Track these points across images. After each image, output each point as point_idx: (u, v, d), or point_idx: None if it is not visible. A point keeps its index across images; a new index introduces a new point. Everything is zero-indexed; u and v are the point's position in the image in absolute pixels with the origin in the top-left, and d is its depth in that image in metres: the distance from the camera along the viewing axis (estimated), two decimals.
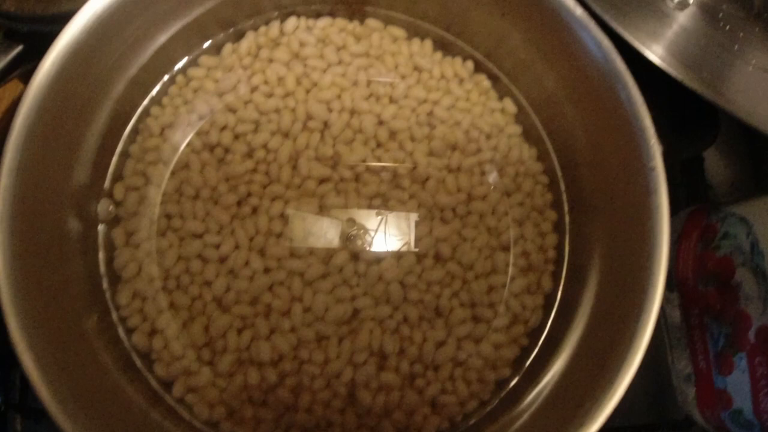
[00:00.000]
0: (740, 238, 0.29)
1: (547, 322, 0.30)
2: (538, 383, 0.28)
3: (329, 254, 0.28)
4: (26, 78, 0.34)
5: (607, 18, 0.25)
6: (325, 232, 0.29)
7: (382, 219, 0.29)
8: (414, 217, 0.29)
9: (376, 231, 0.29)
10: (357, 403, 0.27)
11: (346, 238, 0.29)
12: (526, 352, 0.29)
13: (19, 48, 0.31)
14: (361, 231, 0.29)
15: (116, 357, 0.27)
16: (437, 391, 0.28)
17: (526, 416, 0.27)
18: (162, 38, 0.29)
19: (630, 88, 0.24)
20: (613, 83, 0.25)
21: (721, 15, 0.31)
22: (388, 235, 0.29)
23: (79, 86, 0.26)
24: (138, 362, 0.28)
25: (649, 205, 0.24)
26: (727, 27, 0.31)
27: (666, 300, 0.34)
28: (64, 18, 0.28)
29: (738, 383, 0.30)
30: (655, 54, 0.26)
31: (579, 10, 0.25)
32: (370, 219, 0.29)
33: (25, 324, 0.22)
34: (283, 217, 0.29)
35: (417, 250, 0.29)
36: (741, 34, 0.31)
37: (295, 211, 0.28)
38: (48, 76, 0.24)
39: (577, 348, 0.27)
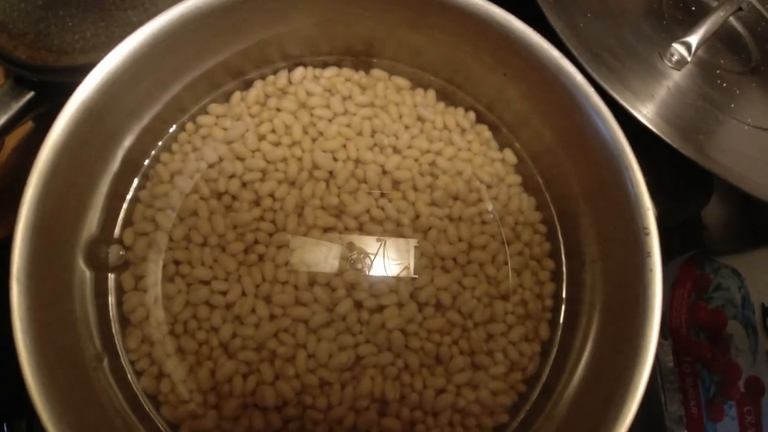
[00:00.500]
0: (732, 291, 0.30)
1: (544, 369, 0.30)
2: (536, 430, 0.28)
3: (333, 302, 0.29)
4: (37, 119, 0.35)
5: (605, 85, 0.26)
6: (326, 257, 0.29)
7: (381, 244, 0.30)
8: (413, 242, 0.30)
9: (375, 255, 0.30)
10: None
11: (347, 261, 0.29)
12: (523, 398, 0.30)
13: (30, 95, 0.32)
14: (361, 255, 0.30)
15: (125, 399, 0.28)
16: None
17: None
18: (175, 89, 0.29)
19: (628, 155, 0.25)
20: (611, 149, 0.25)
21: (718, 71, 0.32)
22: (387, 259, 0.30)
23: (93, 140, 0.27)
24: (146, 404, 0.29)
25: (642, 266, 0.25)
26: (724, 84, 0.32)
27: (659, 346, 0.35)
28: (76, 70, 0.29)
29: (727, 430, 0.31)
30: (648, 118, 0.27)
31: (579, 77, 0.26)
32: (370, 244, 0.30)
33: (41, 377, 0.23)
34: (289, 265, 0.29)
35: (416, 276, 0.30)
36: (737, 90, 0.32)
37: (295, 236, 0.29)
38: (62, 133, 0.25)
39: (575, 395, 0.28)
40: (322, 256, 0.29)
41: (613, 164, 0.26)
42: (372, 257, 0.30)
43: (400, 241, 0.30)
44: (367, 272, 0.29)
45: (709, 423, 0.32)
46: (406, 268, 0.30)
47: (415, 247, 0.30)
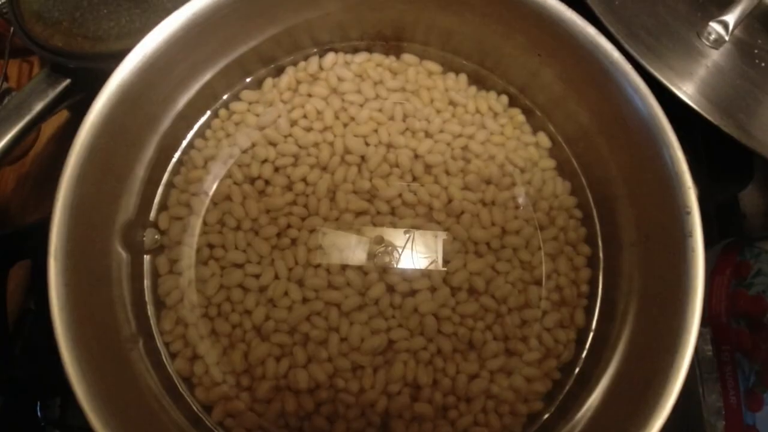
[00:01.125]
0: None
1: (580, 357, 0.30)
2: (570, 418, 0.28)
3: (366, 285, 0.29)
4: (73, 108, 0.35)
5: (643, 61, 0.25)
6: (354, 249, 0.29)
7: (409, 237, 0.30)
8: (442, 235, 0.30)
9: (404, 248, 0.30)
10: None
11: (375, 255, 0.29)
12: (558, 386, 0.30)
13: (66, 82, 0.33)
14: (389, 248, 0.30)
15: (159, 380, 0.28)
16: (469, 423, 0.28)
17: None
18: (208, 75, 0.30)
19: (667, 133, 0.24)
20: (650, 127, 0.25)
21: (756, 51, 0.31)
22: (415, 252, 0.30)
23: (129, 124, 0.27)
24: (180, 386, 0.29)
25: (684, 246, 0.25)
26: (762, 64, 0.31)
27: (698, 334, 0.34)
28: (112, 57, 0.29)
29: (767, 421, 0.30)
30: (688, 96, 0.26)
31: (616, 54, 0.25)
32: (398, 237, 0.30)
33: (78, 356, 0.23)
34: (322, 248, 0.29)
35: (445, 269, 0.29)
36: None
37: (325, 228, 0.29)
38: (99, 115, 0.25)
39: (610, 384, 0.28)
40: (351, 250, 0.29)
41: (651, 143, 0.25)
42: (400, 250, 0.30)
43: (428, 233, 0.30)
44: (395, 265, 0.29)
45: (748, 413, 0.31)
46: (434, 261, 0.30)
47: (444, 239, 0.30)
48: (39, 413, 0.36)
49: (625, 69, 0.25)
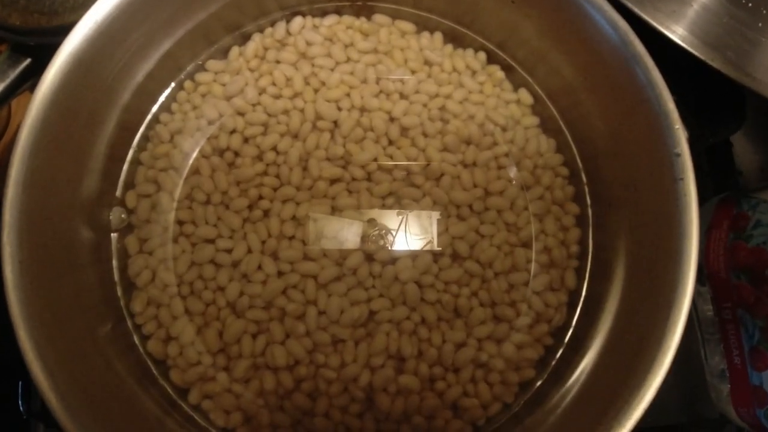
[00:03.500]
0: None
1: (572, 321, 0.28)
2: (564, 384, 0.27)
3: (343, 256, 0.28)
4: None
5: (628, 2, 0.24)
6: (347, 234, 0.28)
7: (402, 218, 0.28)
8: (436, 215, 0.28)
9: (398, 231, 0.28)
10: (375, 407, 0.27)
11: (368, 240, 0.28)
12: (550, 352, 0.28)
13: (27, 61, 0.32)
14: (383, 231, 0.28)
15: (131, 365, 0.27)
16: (458, 394, 0.27)
17: (552, 419, 0.26)
18: (167, 44, 0.28)
19: (650, 70, 0.23)
20: (632, 67, 0.23)
21: None
22: (409, 234, 0.28)
23: (85, 96, 0.26)
24: (153, 369, 0.28)
25: (675, 192, 0.23)
26: (750, 4, 0.29)
27: (697, 294, 0.33)
28: (69, 29, 0.28)
29: None
30: (676, 34, 0.25)
31: None
32: (391, 219, 0.29)
33: (34, 334, 0.22)
34: (295, 219, 0.28)
35: (440, 249, 0.28)
36: (764, 11, 0.29)
37: (318, 216, 0.28)
38: (52, 85, 0.24)
39: (604, 347, 0.26)
40: (343, 234, 0.28)
41: (635, 85, 0.24)
42: (394, 233, 0.28)
43: (422, 214, 0.28)
44: (389, 248, 0.28)
45: (754, 373, 0.30)
46: (430, 242, 0.28)
47: (438, 219, 0.28)
48: (21, 406, 0.35)
49: (601, 6, 0.23)
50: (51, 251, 0.24)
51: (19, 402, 0.35)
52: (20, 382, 0.35)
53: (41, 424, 0.36)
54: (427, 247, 0.28)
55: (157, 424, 0.25)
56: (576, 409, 0.25)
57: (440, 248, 0.28)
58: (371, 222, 0.28)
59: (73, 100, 0.25)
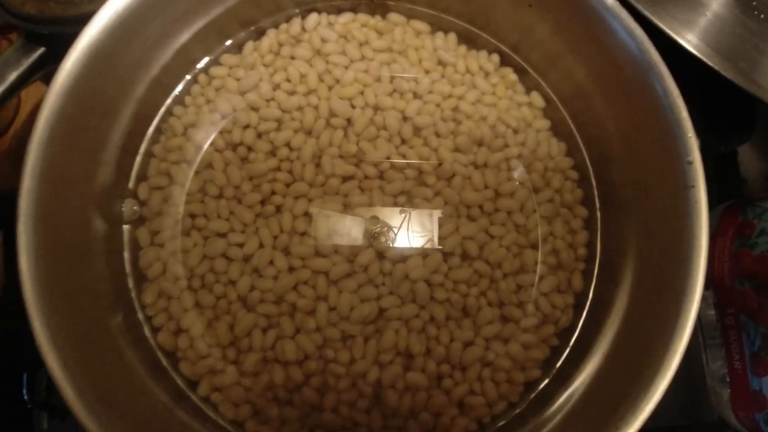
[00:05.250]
0: None
1: (578, 323, 0.29)
2: (569, 386, 0.27)
3: (354, 253, 0.28)
4: (49, 80, 0.34)
5: (640, 6, 0.24)
6: (349, 230, 0.28)
7: (405, 216, 0.29)
8: (437, 214, 0.29)
9: (399, 228, 0.29)
10: (383, 403, 0.27)
11: (370, 236, 0.28)
12: (556, 353, 0.29)
13: (41, 50, 0.32)
14: (385, 228, 0.29)
15: (141, 356, 0.27)
16: (465, 392, 0.27)
17: (556, 419, 0.26)
18: (183, 38, 0.28)
19: (665, 79, 0.23)
20: (647, 74, 0.24)
21: (755, 3, 0.30)
22: (411, 232, 0.29)
23: (101, 87, 0.26)
24: (163, 361, 0.28)
25: (686, 199, 0.23)
26: (762, 15, 0.30)
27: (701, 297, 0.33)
28: (85, 19, 0.28)
29: None
30: (690, 43, 0.25)
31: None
32: (393, 216, 0.29)
33: (49, 324, 0.22)
34: (308, 216, 0.28)
35: (441, 247, 0.28)
36: None
37: (319, 209, 0.28)
38: (69, 76, 0.24)
39: (610, 349, 0.27)
40: (346, 230, 0.28)
41: (650, 92, 0.24)
42: (396, 230, 0.29)
43: (424, 212, 0.29)
44: (391, 245, 0.28)
45: (755, 378, 0.30)
46: (431, 240, 0.29)
47: (439, 217, 0.29)
48: (25, 395, 0.36)
49: (619, 13, 0.24)
50: (65, 242, 0.24)
51: (24, 392, 0.36)
52: (25, 374, 0.36)
53: (45, 414, 0.36)
54: (428, 245, 0.28)
55: (167, 415, 0.26)
56: (580, 411, 0.26)
57: (440, 246, 0.28)
58: (373, 219, 0.29)
59: (89, 91, 0.25)
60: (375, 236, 0.28)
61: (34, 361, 0.34)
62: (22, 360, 0.34)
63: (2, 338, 0.33)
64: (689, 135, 0.23)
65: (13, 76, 0.31)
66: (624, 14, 0.24)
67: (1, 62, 0.32)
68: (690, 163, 0.23)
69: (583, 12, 0.25)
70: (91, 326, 0.25)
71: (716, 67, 0.24)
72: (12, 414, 0.36)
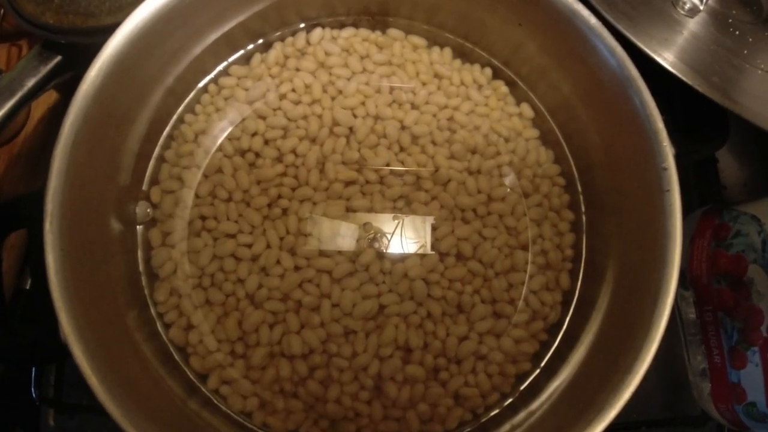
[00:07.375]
0: (752, 237, 0.30)
1: (565, 318, 0.31)
2: (556, 377, 0.29)
3: (356, 253, 0.30)
4: (61, 88, 0.36)
5: (620, 26, 0.26)
6: (343, 236, 0.30)
7: (398, 223, 0.31)
8: (430, 220, 0.31)
9: (393, 234, 0.30)
10: (383, 395, 0.29)
11: (365, 243, 0.30)
12: (545, 346, 0.30)
13: (58, 59, 0.33)
14: (378, 235, 0.30)
15: (155, 350, 0.28)
16: (460, 383, 0.29)
17: (544, 408, 0.28)
18: (197, 50, 0.30)
19: (643, 92, 0.25)
20: (627, 89, 0.26)
21: (730, 20, 0.32)
22: (404, 238, 0.30)
23: (121, 95, 0.27)
24: (175, 355, 0.29)
25: (662, 203, 0.25)
26: (737, 32, 0.32)
27: (681, 298, 0.35)
28: (103, 31, 0.29)
29: (751, 377, 0.31)
30: (666, 60, 0.27)
31: (593, 20, 0.26)
32: (387, 223, 0.31)
33: (76, 317, 0.23)
34: (312, 218, 0.30)
35: (433, 252, 0.30)
36: (750, 39, 0.32)
37: (314, 215, 0.30)
38: (93, 84, 0.26)
39: (594, 343, 0.28)
40: (339, 236, 0.30)
41: (628, 105, 0.26)
42: (389, 236, 0.30)
43: (417, 219, 0.30)
44: (384, 251, 0.30)
45: (733, 371, 0.32)
46: (423, 246, 0.30)
47: (432, 223, 0.31)
48: (33, 392, 0.37)
49: (601, 33, 0.26)
50: (87, 240, 0.26)
51: (32, 389, 0.37)
52: (33, 370, 0.37)
53: (52, 410, 0.37)
54: (421, 251, 0.30)
55: (182, 405, 0.27)
56: (566, 400, 0.28)
57: (432, 251, 0.30)
58: (366, 226, 0.30)
59: (110, 99, 0.27)
60: (369, 243, 0.30)
61: (42, 358, 0.35)
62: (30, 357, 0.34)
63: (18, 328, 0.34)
64: (664, 144, 0.25)
65: (30, 83, 0.33)
66: (606, 34, 0.26)
67: (18, 69, 0.33)
68: (665, 169, 0.25)
69: (569, 31, 0.27)
70: (111, 321, 0.26)
71: (691, 83, 0.26)
72: (20, 410, 0.37)
